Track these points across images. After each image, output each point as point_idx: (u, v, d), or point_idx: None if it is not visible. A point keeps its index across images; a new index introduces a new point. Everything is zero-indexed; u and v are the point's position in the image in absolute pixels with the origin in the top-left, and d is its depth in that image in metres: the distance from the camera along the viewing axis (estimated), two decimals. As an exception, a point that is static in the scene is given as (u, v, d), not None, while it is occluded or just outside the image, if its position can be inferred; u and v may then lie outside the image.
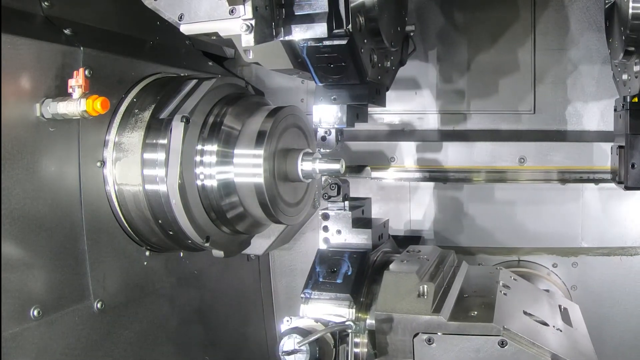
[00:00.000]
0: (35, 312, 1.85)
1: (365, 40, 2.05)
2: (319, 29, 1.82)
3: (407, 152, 3.16)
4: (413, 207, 3.26)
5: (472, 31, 3.16)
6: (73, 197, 2.04)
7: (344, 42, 1.88)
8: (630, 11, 2.10)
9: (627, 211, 3.05)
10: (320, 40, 1.88)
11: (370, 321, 2.08)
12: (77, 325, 2.03)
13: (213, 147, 2.23)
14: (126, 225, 2.24)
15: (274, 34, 1.86)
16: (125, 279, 2.25)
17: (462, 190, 3.20)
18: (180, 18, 1.93)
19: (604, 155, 2.92)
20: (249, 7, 1.73)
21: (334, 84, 2.16)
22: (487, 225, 3.18)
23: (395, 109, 3.23)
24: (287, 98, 3.31)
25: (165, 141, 2.13)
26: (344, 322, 2.02)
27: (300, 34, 1.85)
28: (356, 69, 2.02)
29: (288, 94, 3.34)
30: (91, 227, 2.09)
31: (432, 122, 3.24)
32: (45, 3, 2.03)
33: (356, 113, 2.31)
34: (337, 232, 2.38)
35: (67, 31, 2.05)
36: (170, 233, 2.23)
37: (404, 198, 3.25)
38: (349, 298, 2.11)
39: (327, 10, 1.80)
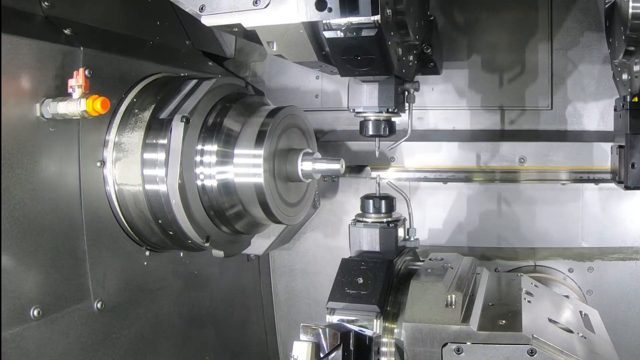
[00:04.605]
0: (35, 312, 1.85)
1: (392, 33, 2.03)
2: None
3: (407, 152, 3.16)
4: (413, 207, 3.25)
5: (473, 31, 3.16)
6: (73, 197, 2.04)
7: (372, 33, 1.86)
8: (630, 11, 2.09)
9: (627, 211, 3.05)
10: (348, 31, 1.86)
11: (397, 331, 2.07)
12: (77, 325, 2.03)
13: (213, 147, 2.23)
14: (126, 225, 2.24)
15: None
16: (125, 279, 2.25)
17: (462, 190, 3.19)
18: (202, 9, 1.90)
19: (604, 155, 2.91)
20: None
21: (359, 78, 2.16)
22: (487, 225, 3.17)
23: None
24: (300, 94, 3.32)
25: (165, 141, 2.13)
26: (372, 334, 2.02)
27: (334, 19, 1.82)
28: (383, 62, 2.00)
29: (301, 91, 3.34)
30: (91, 227, 2.09)
31: (432, 121, 3.24)
32: (45, 3, 2.03)
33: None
34: None
35: (67, 31, 2.05)
36: (170, 233, 2.23)
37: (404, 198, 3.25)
38: (376, 309, 2.08)
39: None
